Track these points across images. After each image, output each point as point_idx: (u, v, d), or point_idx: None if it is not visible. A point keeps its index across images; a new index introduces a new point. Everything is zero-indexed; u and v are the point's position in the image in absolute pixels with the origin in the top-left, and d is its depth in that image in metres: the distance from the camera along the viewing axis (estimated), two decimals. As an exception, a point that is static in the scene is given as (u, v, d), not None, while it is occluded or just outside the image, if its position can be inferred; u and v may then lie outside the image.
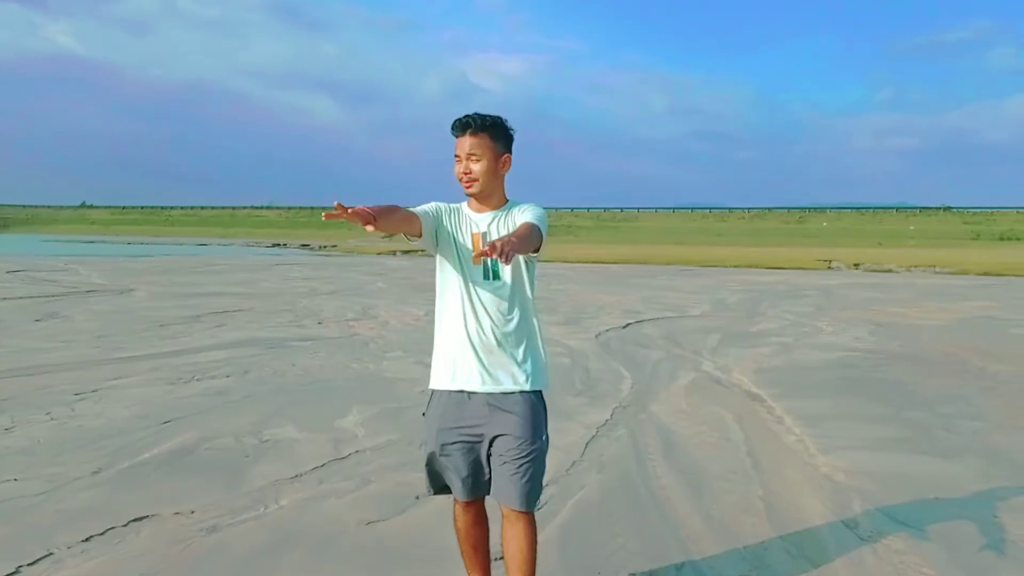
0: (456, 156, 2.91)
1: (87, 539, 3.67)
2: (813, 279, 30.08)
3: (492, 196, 2.94)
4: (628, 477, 4.82)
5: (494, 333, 2.87)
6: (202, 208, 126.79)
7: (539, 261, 2.93)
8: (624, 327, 12.76)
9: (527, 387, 2.88)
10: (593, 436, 5.77)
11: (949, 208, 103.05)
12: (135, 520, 3.93)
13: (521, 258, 2.87)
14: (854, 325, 13.73)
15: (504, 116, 2.97)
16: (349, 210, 2.49)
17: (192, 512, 4.07)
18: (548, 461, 4.98)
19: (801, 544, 3.84)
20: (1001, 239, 76.59)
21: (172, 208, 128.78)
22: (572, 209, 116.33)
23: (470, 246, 2.90)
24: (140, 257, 38.48)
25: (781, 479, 4.83)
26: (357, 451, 5.27)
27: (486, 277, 2.89)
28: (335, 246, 64.38)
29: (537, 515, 4.04)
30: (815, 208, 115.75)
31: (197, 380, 7.54)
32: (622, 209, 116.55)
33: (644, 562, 3.62)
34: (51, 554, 3.51)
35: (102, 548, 3.60)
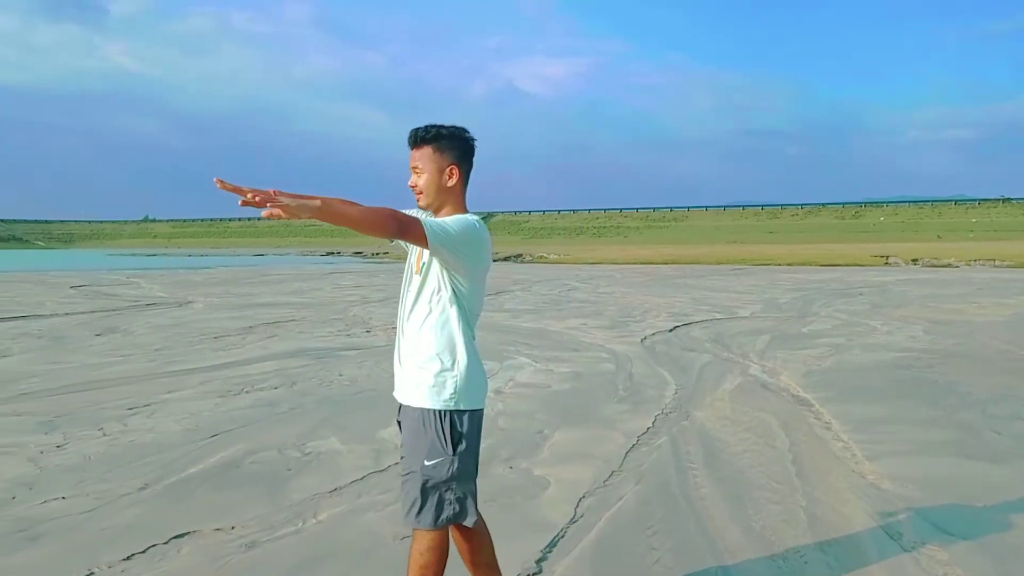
0: (410, 169, 2.92)
1: (128, 557, 3.74)
2: (868, 276, 29.56)
3: (443, 209, 2.89)
4: (667, 487, 4.77)
5: (403, 343, 2.88)
6: (259, 220, 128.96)
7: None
8: (671, 330, 12.67)
9: (424, 404, 2.79)
10: (633, 445, 5.73)
11: (1009, 199, 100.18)
12: (176, 537, 4.00)
13: (436, 265, 2.79)
14: (909, 324, 13.46)
15: (463, 126, 2.90)
16: (245, 193, 2.45)
17: (232, 528, 4.13)
18: (586, 469, 5.03)
19: (843, 556, 3.76)
20: (1067, 229, 74.35)
21: (230, 220, 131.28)
22: (621, 210, 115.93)
23: (413, 259, 2.92)
24: (199, 269, 39.31)
25: (825, 488, 4.74)
26: (396, 463, 5.30)
27: (406, 286, 2.93)
28: (387, 253, 65.03)
29: (573, 527, 4.08)
30: (871, 203, 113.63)
31: (246, 392, 7.66)
32: (671, 209, 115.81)
33: (680, 576, 3.58)
34: (91, 573, 3.59)
35: (143, 566, 3.67)
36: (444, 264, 2.78)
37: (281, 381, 8.24)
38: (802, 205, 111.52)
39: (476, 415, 2.86)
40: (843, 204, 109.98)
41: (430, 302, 2.84)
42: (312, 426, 6.33)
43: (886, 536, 4.00)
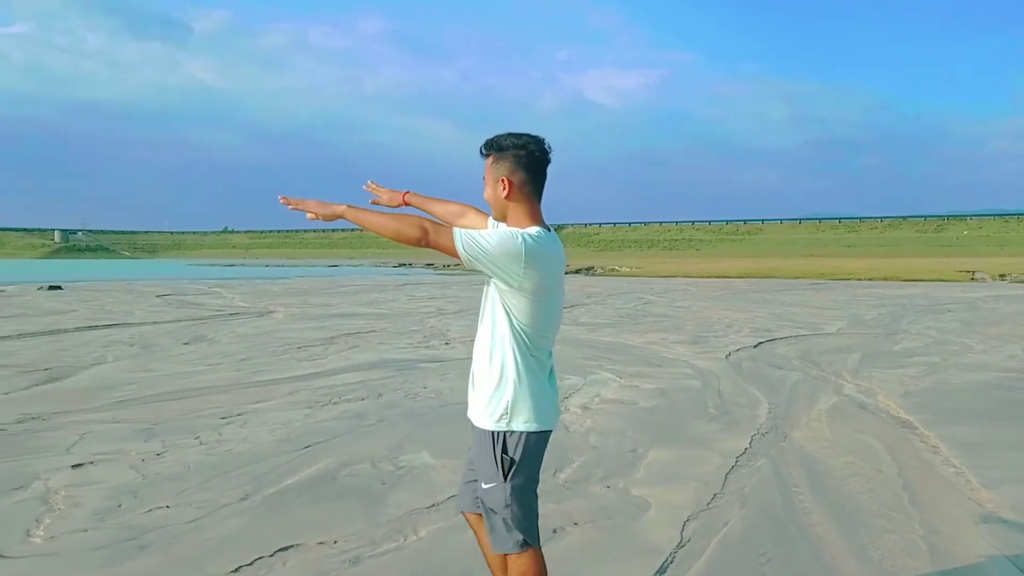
0: None
1: (236, 570, 3.75)
2: (955, 292, 28.61)
3: (509, 221, 2.80)
4: (773, 511, 4.60)
5: (474, 357, 2.85)
6: (333, 231, 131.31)
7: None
8: (755, 346, 12.39)
9: (481, 424, 2.76)
10: (733, 466, 5.56)
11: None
12: (281, 550, 4.00)
13: (492, 283, 2.70)
14: (1006, 342, 12.93)
15: (537, 135, 2.80)
16: (291, 204, 2.95)
17: (335, 542, 4.11)
18: (686, 491, 4.89)
19: (971, 591, 3.56)
20: None
21: (305, 232, 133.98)
22: (693, 223, 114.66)
23: None
24: (277, 279, 40.10)
25: (943, 516, 4.51)
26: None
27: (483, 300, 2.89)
28: (458, 264, 65.48)
29: (682, 552, 3.94)
30: (954, 216, 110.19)
31: (334, 404, 7.71)
32: (745, 222, 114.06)
33: (798, 607, 3.43)
34: (202, 585, 3.61)
35: (251, 579, 3.67)
36: (488, 279, 2.71)
37: (367, 393, 8.27)
38: (881, 218, 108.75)
39: (533, 438, 2.73)
40: (924, 217, 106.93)
41: (486, 318, 2.79)
42: (401, 439, 6.31)
43: (1016, 570, 3.77)
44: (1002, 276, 41.00)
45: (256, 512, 4.59)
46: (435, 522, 4.43)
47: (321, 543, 4.10)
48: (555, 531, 4.26)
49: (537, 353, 2.76)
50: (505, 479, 2.70)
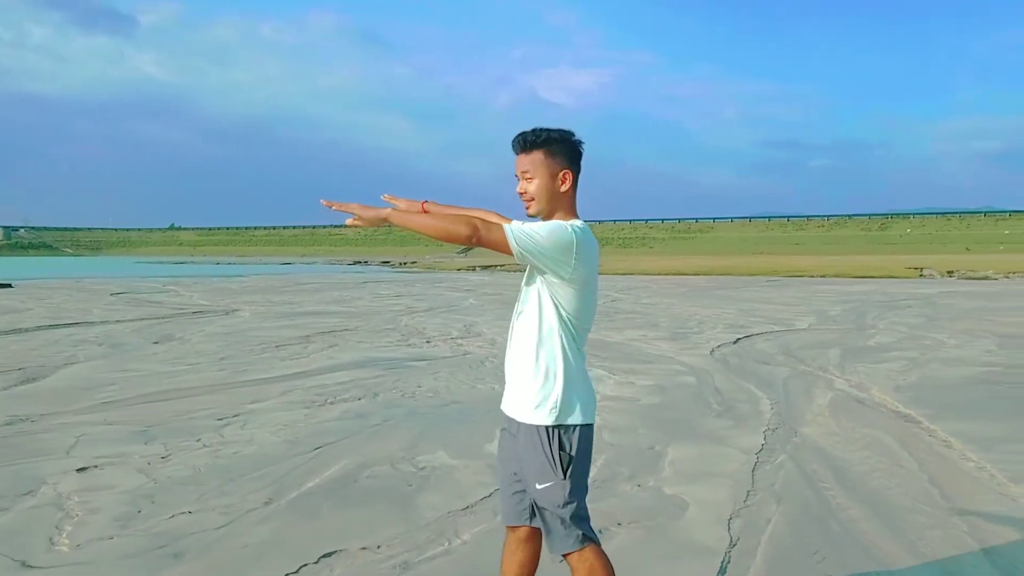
0: (516, 175, 2.81)
1: (286, 577, 3.61)
2: (907, 288, 29.18)
3: (554, 216, 2.75)
4: (810, 509, 4.57)
5: (512, 353, 2.78)
6: (283, 228, 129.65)
7: (568, 280, 2.63)
8: (735, 342, 12.46)
9: (532, 420, 2.68)
10: (756, 462, 5.53)
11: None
12: (325, 556, 3.85)
13: (537, 276, 2.68)
14: (976, 337, 13.17)
15: (569, 128, 2.79)
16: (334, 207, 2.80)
17: (379, 547, 3.97)
18: (719, 489, 4.84)
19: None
20: (1099, 242, 73.41)
21: (255, 228, 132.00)
22: (646, 221, 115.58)
23: (527, 270, 2.79)
24: (233, 277, 39.42)
25: (981, 512, 4.52)
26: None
27: (519, 296, 2.83)
28: (415, 262, 65.16)
29: (736, 552, 3.88)
30: (897, 214, 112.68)
31: (331, 403, 7.53)
32: (697, 220, 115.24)
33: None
34: (254, 593, 3.45)
35: (303, 586, 3.53)
36: (539, 272, 2.66)
37: (362, 392, 8.10)
38: (828, 217, 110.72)
39: (585, 431, 2.72)
40: (869, 216, 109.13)
41: (531, 312, 2.73)
42: (412, 439, 6.18)
43: (1070, 565, 3.78)
44: (950, 273, 41.95)
45: (285, 517, 4.43)
46: (475, 524, 4.31)
47: (364, 548, 3.96)
48: (600, 532, 4.14)
49: (581, 345, 2.76)
50: (564, 475, 2.65)
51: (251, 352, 11.16)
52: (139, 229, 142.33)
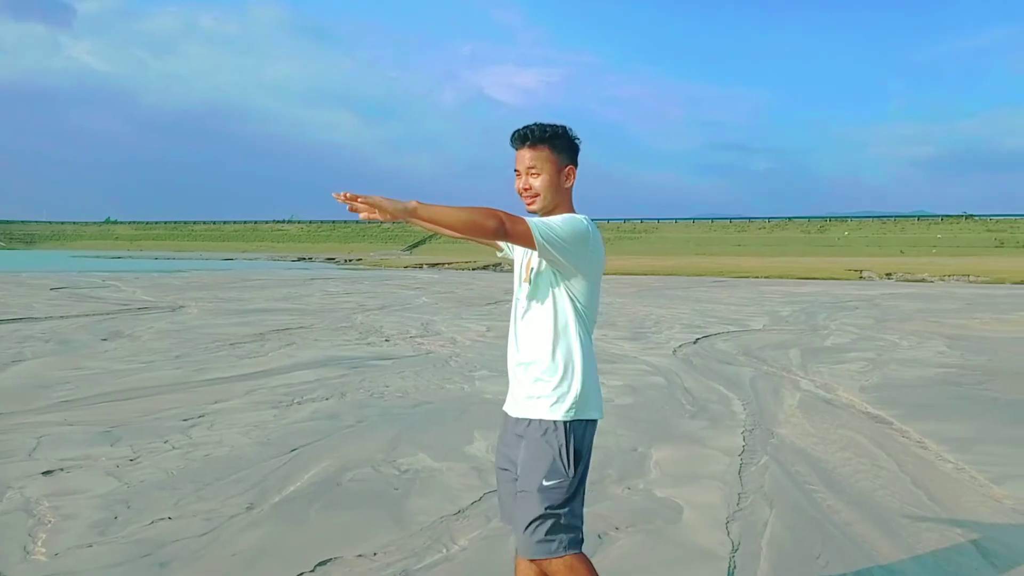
0: (516, 171, 2.77)
1: (286, 587, 3.46)
2: (850, 290, 29.75)
3: (556, 211, 2.74)
4: (804, 511, 4.56)
5: (521, 352, 2.73)
6: (224, 223, 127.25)
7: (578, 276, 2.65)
8: (695, 342, 12.52)
9: (545, 415, 2.64)
10: (740, 464, 5.52)
11: (971, 216, 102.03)
12: (320, 564, 3.71)
13: (551, 271, 2.66)
14: (926, 338, 13.44)
15: (568, 125, 2.78)
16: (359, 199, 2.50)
17: (375, 554, 3.84)
18: (710, 491, 4.80)
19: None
20: (1025, 247, 75.98)
21: (195, 223, 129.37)
22: (593, 220, 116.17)
23: (522, 266, 2.80)
24: (174, 272, 38.53)
25: (970, 513, 4.56)
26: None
27: (519, 293, 2.82)
28: (360, 260, 64.50)
29: (740, 557, 3.84)
30: (835, 217, 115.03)
31: (299, 403, 7.34)
32: (642, 220, 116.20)
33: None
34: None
35: (303, 597, 3.38)
36: (555, 266, 2.64)
37: (329, 392, 7.92)
38: (769, 219, 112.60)
39: (593, 426, 2.71)
40: (808, 218, 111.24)
41: (544, 308, 2.69)
42: (390, 441, 6.03)
43: (1067, 566, 3.82)
44: (888, 275, 42.93)
45: (271, 522, 4.26)
46: (471, 530, 4.20)
47: (360, 556, 3.82)
48: (600, 536, 4.10)
49: (591, 337, 2.75)
50: (574, 473, 2.62)
51: (206, 350, 10.86)
52: (74, 222, 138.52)
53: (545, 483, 2.60)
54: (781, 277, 41.43)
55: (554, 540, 2.57)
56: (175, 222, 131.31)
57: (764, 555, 3.90)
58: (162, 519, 4.27)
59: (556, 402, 2.64)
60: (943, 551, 3.99)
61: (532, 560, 2.64)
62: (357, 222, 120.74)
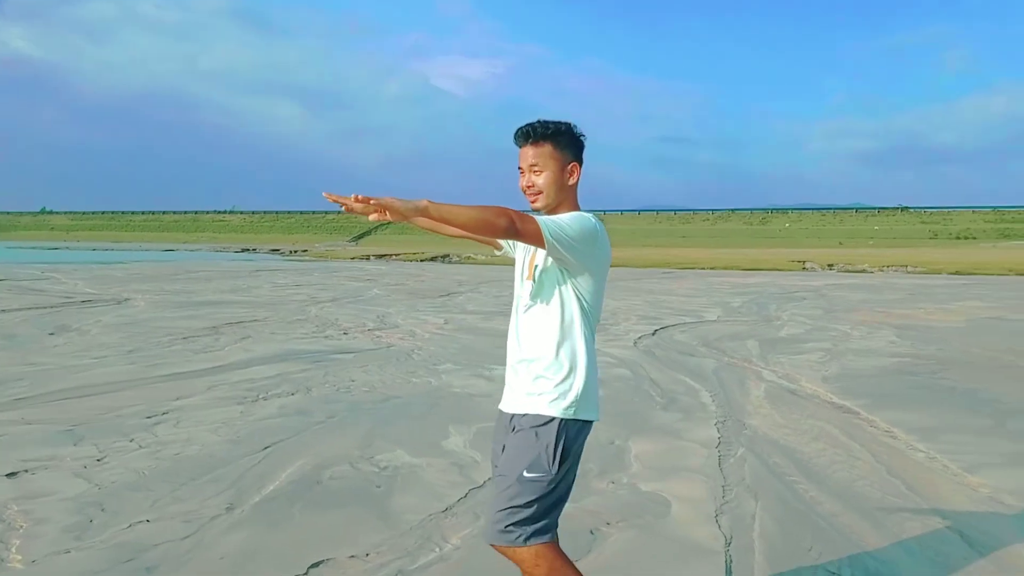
0: (519, 168, 2.77)
1: (280, 591, 3.36)
2: (795, 280, 30.27)
3: (560, 209, 2.74)
4: (788, 503, 4.59)
5: (523, 349, 2.72)
6: (164, 213, 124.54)
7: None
8: (653, 334, 12.59)
9: (542, 411, 2.63)
10: (719, 456, 5.54)
11: (906, 208, 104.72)
12: (313, 566, 3.61)
13: (557, 269, 2.66)
14: (876, 329, 13.69)
15: (572, 122, 2.78)
16: (342, 201, 2.45)
17: (367, 555, 3.76)
18: (694, 485, 4.81)
19: (1019, 576, 3.65)
20: (958, 238, 78.23)
21: (134, 213, 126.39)
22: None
23: (525, 263, 2.80)
24: (114, 264, 37.60)
25: (947, 503, 4.63)
26: (489, 478, 4.98)
27: (521, 289, 2.81)
28: (306, 251, 63.60)
29: (734, 551, 3.84)
30: (776, 209, 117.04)
31: (264, 399, 7.18)
32: (588, 212, 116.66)
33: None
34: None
35: (301, 601, 3.29)
36: (563, 264, 2.63)
37: (294, 387, 7.76)
38: (713, 210, 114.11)
39: (587, 428, 2.71)
40: (751, 210, 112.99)
41: (549, 306, 2.69)
42: (364, 437, 5.93)
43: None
44: (830, 266, 43.77)
45: (255, 524, 4.15)
46: (461, 528, 4.14)
47: (352, 556, 3.74)
48: (592, 532, 4.07)
49: (594, 336, 2.76)
50: (558, 469, 2.60)
51: (159, 344, 10.58)
52: (7, 212, 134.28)
53: (526, 474, 2.59)
54: (727, 268, 41.98)
55: (515, 531, 2.57)
56: (113, 212, 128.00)
57: (758, 548, 3.91)
58: (140, 522, 4.12)
59: (556, 399, 2.63)
60: (928, 540, 4.04)
61: (493, 545, 2.64)
62: (301, 213, 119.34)
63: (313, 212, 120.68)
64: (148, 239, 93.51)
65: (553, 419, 2.61)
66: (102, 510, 4.27)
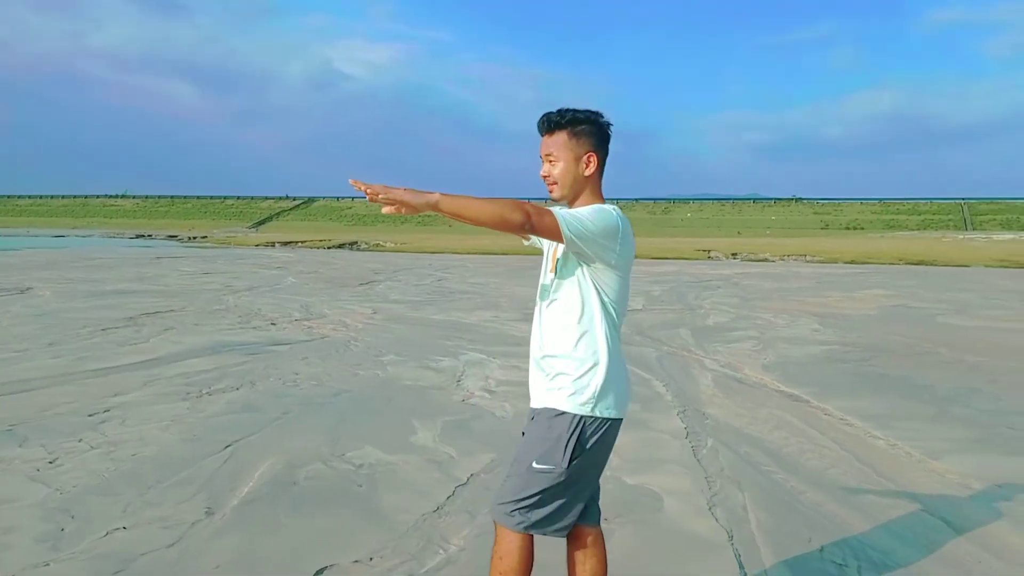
0: (540, 157, 2.75)
1: (295, 601, 3.18)
2: (704, 269, 30.95)
3: (580, 200, 2.71)
4: (774, 495, 4.63)
5: (545, 345, 2.69)
6: (51, 197, 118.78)
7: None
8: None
9: (559, 406, 2.60)
10: (692, 447, 5.57)
11: (800, 199, 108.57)
12: (318, 573, 3.45)
13: (578, 263, 2.62)
14: (797, 317, 14.07)
15: (596, 109, 2.73)
16: (365, 189, 2.42)
17: (371, 559, 3.61)
18: (677, 477, 4.81)
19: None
20: (848, 228, 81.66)
21: (19, 197, 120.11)
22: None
23: (549, 256, 2.78)
24: (6, 251, 35.58)
25: (922, 489, 4.76)
26: (472, 475, 4.88)
27: (545, 283, 2.77)
28: (205, 237, 61.64)
29: (739, 546, 3.85)
30: (677, 199, 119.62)
31: (208, 395, 6.88)
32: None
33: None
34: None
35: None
36: (582, 258, 2.59)
37: (236, 381, 7.46)
38: (617, 199, 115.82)
39: (614, 425, 2.66)
40: (654, 200, 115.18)
41: (569, 301, 2.64)
42: (327, 433, 5.74)
43: (1031, 538, 4.04)
44: (734, 255, 44.99)
45: (241, 529, 3.94)
46: (459, 528, 4.03)
47: (356, 562, 3.59)
48: (605, 519, 4.00)
49: (619, 332, 2.71)
50: (568, 464, 2.57)
51: (78, 336, 10.04)
52: None
53: (535, 465, 2.58)
54: (636, 257, 42.59)
55: (518, 517, 2.58)
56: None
57: (760, 541, 3.93)
58: (116, 529, 3.87)
59: (574, 394, 2.58)
60: (915, 527, 4.14)
61: (495, 521, 2.66)
62: (198, 198, 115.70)
63: (211, 197, 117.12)
64: (36, 224, 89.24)
65: (566, 413, 2.57)
66: (71, 517, 4.00)
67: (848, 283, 23.19)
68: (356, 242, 48.66)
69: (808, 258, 42.28)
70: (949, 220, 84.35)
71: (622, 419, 2.67)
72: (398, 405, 6.72)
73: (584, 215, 2.51)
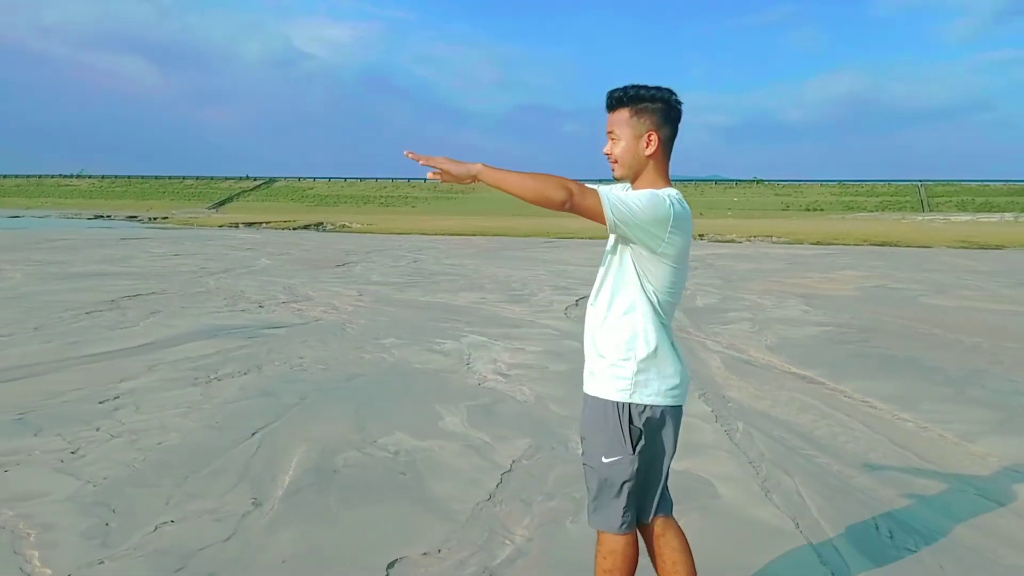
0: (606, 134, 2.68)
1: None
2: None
3: (641, 181, 2.62)
4: (825, 481, 4.56)
5: (591, 327, 2.65)
6: (4, 177, 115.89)
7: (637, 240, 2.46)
8: (576, 303, 12.58)
9: (603, 394, 2.55)
10: (725, 431, 5.51)
11: (760, 181, 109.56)
12: (390, 566, 3.32)
13: (623, 245, 2.55)
14: (783, 298, 14.13)
15: (665, 86, 2.62)
16: (421, 160, 2.52)
17: (439, 551, 3.49)
18: (721, 463, 4.75)
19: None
20: (808, 209, 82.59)
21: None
22: (408, 180, 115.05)
23: (611, 238, 2.66)
24: (-38, 231, 34.59)
25: (967, 473, 4.75)
26: (513, 461, 4.78)
27: (601, 265, 2.71)
28: (166, 218, 60.57)
29: (807, 530, 3.78)
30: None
31: (217, 380, 6.69)
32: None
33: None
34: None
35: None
36: (628, 243, 2.51)
37: (242, 366, 7.27)
38: (581, 180, 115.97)
39: (668, 412, 2.57)
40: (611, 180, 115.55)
41: (614, 285, 2.57)
42: (353, 419, 5.60)
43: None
44: (701, 236, 45.18)
45: (296, 521, 3.80)
46: (519, 517, 3.92)
47: (425, 554, 3.47)
48: (655, 516, 3.93)
49: (667, 320, 2.60)
50: (634, 451, 2.52)
51: (63, 321, 9.73)
52: None
53: (605, 460, 2.54)
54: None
55: (614, 517, 2.57)
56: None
57: (827, 528, 3.87)
58: (164, 523, 3.71)
59: (617, 382, 2.53)
60: (975, 510, 4.12)
61: (598, 531, 2.64)
62: (156, 178, 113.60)
63: (169, 177, 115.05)
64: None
65: (612, 403, 2.52)
66: (112, 511, 3.82)
67: (820, 264, 23.38)
68: (322, 223, 48.11)
69: (775, 239, 42.62)
70: (906, 202, 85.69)
71: (675, 407, 2.58)
72: (416, 389, 6.58)
73: (633, 200, 2.42)
